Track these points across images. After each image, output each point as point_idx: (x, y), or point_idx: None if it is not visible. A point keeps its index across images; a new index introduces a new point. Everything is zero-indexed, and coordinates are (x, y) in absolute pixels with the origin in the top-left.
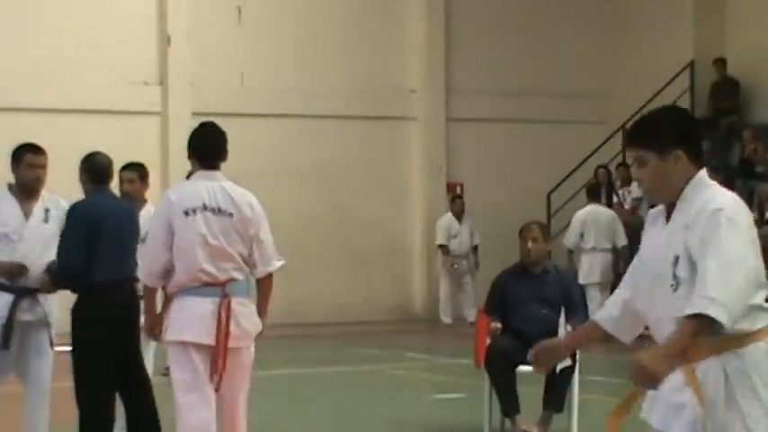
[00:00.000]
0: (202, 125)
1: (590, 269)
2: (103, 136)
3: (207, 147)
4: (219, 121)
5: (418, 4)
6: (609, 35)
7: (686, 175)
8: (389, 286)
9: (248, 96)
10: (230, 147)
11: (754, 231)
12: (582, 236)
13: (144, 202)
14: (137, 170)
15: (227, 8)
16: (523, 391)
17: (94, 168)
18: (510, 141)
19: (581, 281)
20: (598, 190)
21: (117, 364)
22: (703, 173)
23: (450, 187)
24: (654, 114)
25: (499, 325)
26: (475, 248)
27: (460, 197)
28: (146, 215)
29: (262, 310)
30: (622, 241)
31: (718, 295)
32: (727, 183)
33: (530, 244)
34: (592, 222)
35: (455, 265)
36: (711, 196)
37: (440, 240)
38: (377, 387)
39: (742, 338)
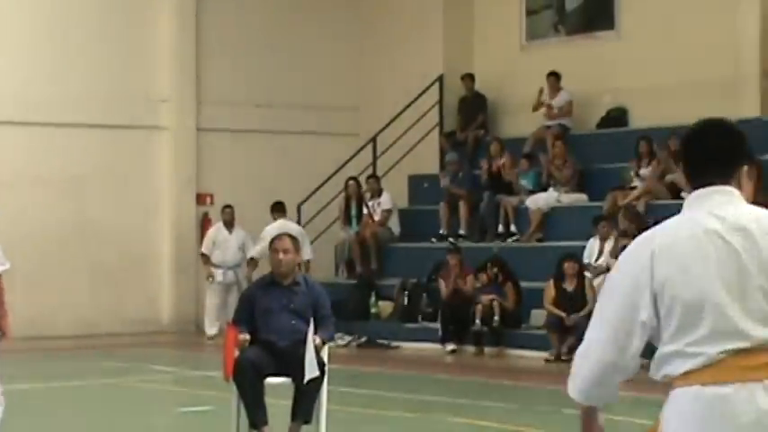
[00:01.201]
0: None
1: None
2: None
3: None
4: None
5: (169, 15)
6: (361, 49)
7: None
8: (137, 298)
9: None
10: None
11: (646, 272)
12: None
13: None
14: None
15: None
16: (272, 402)
17: None
18: (262, 152)
19: None
20: (283, 205)
21: None
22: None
23: (201, 198)
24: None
25: (247, 336)
26: (249, 261)
27: (230, 207)
28: None
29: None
30: (309, 255)
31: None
32: (475, 196)
33: (280, 255)
34: None
35: (210, 278)
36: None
37: (202, 249)
38: (122, 401)
39: (671, 384)
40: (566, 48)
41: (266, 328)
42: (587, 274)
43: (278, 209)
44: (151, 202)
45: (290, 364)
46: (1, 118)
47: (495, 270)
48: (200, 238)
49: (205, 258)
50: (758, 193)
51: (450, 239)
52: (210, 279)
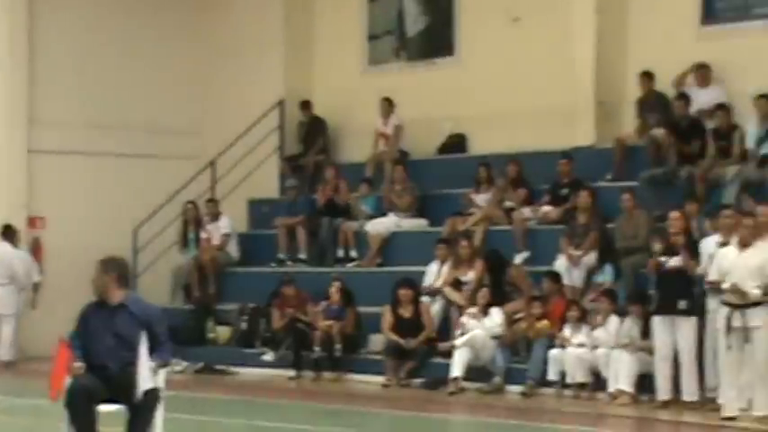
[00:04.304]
0: None
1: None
2: None
3: None
4: None
5: (0, 32)
6: (202, 73)
7: None
8: None
9: None
10: None
11: None
12: None
13: None
14: None
15: None
16: (104, 430)
17: None
18: (97, 175)
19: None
20: (11, 228)
21: None
22: None
23: (32, 222)
24: None
25: (83, 365)
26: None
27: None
28: None
29: None
30: (36, 278)
31: None
32: (313, 221)
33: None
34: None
35: None
36: None
37: None
38: None
39: None
40: (407, 73)
41: (95, 350)
42: (424, 299)
43: (6, 233)
44: None
45: (121, 389)
46: None
47: (338, 295)
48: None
49: None
50: (593, 218)
51: (288, 266)
52: None
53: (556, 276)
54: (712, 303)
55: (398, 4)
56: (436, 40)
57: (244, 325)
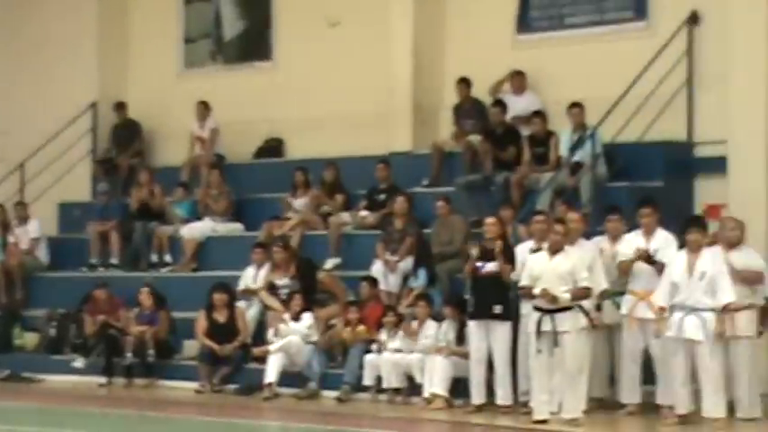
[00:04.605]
0: None
1: None
2: None
3: None
4: None
5: None
6: (11, 74)
7: None
8: None
9: None
10: None
11: None
12: None
13: None
14: None
15: None
16: None
17: None
18: None
19: None
20: None
21: None
22: None
23: None
24: None
25: None
26: None
27: None
28: None
29: None
30: None
31: None
32: (127, 224)
33: None
34: None
35: None
36: None
37: None
38: None
39: None
40: (223, 77)
41: None
42: (239, 304)
43: None
44: None
45: None
46: None
47: (149, 301)
48: None
49: None
50: (409, 224)
51: (100, 271)
52: None
53: (374, 281)
54: (525, 308)
55: (215, 8)
56: (254, 44)
57: (52, 331)
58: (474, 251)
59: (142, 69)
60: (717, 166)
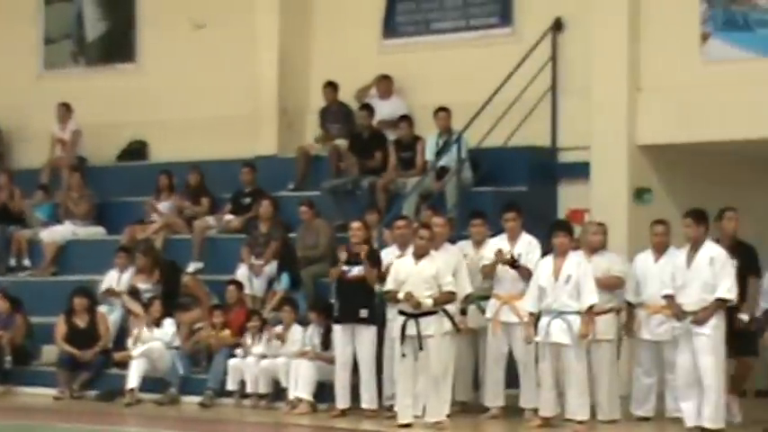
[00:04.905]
0: None
1: None
2: None
3: None
4: None
5: None
6: None
7: None
8: None
9: None
10: None
11: None
12: None
13: None
14: None
15: None
16: None
17: None
18: None
19: None
20: None
21: None
22: None
23: None
24: None
25: None
26: None
27: None
28: None
29: None
30: None
31: None
32: None
33: None
34: None
35: None
36: None
37: None
38: None
39: None
40: (85, 78)
41: None
42: (101, 308)
43: None
44: None
45: None
46: None
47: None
48: None
49: None
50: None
51: None
52: None
53: (240, 285)
54: (391, 313)
55: (77, 8)
56: (116, 46)
57: None
58: (342, 255)
59: (0, 70)
60: (580, 171)
